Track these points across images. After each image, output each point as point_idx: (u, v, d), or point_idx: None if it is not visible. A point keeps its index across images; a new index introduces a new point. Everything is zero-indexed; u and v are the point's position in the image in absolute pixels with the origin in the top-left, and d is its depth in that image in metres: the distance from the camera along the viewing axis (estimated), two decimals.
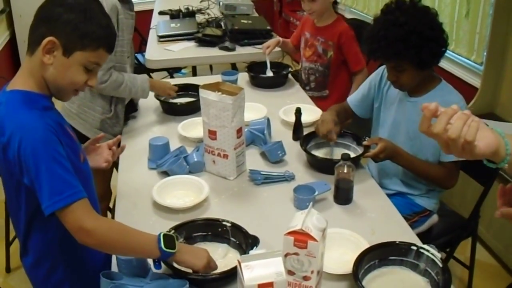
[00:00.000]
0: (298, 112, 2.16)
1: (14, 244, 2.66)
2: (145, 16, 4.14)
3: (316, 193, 1.73)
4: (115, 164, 2.03)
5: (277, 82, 2.80)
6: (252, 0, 4.13)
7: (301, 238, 1.23)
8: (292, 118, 2.21)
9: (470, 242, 2.27)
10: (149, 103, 2.51)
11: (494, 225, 2.66)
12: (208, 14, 3.95)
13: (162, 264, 1.38)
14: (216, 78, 2.67)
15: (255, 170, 1.91)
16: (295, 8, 5.33)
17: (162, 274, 1.39)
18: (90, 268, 1.48)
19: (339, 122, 2.05)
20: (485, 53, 2.82)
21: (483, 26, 2.87)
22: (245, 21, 3.53)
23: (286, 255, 1.26)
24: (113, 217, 1.89)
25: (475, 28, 2.93)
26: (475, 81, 2.96)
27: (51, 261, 1.44)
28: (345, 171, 1.74)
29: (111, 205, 2.63)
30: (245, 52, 3.26)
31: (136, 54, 4.16)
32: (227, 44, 3.24)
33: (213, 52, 3.23)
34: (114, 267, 1.42)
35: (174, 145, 2.06)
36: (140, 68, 3.54)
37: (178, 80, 3.02)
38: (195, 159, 1.95)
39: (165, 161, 1.95)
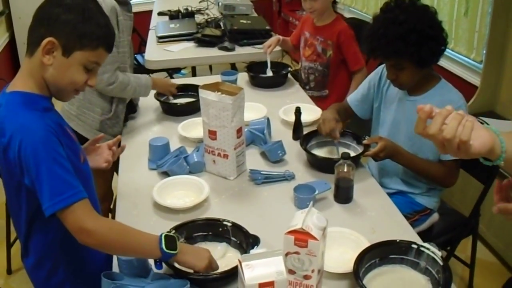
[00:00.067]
0: (298, 112, 2.16)
1: (15, 246, 2.67)
2: (144, 17, 4.14)
3: (316, 192, 1.73)
4: (116, 166, 2.03)
5: (277, 81, 2.80)
6: (251, 0, 4.13)
7: (301, 237, 1.23)
8: (292, 118, 2.21)
9: (471, 241, 2.27)
10: (149, 104, 2.52)
11: (494, 223, 2.66)
12: (207, 15, 3.95)
13: (163, 264, 1.38)
14: (216, 78, 2.67)
15: (255, 170, 1.91)
16: (294, 8, 5.33)
17: (163, 274, 1.39)
18: (91, 269, 1.48)
19: (341, 123, 2.06)
20: (484, 51, 2.82)
21: (482, 24, 2.87)
22: (244, 21, 3.53)
23: (286, 254, 1.26)
24: (113, 217, 1.89)
25: (474, 27, 2.93)
26: (475, 80, 2.96)
27: (52, 262, 1.44)
28: (345, 170, 1.74)
29: (112, 206, 2.63)
30: (245, 52, 3.26)
31: (135, 55, 4.16)
32: (226, 44, 3.24)
33: (213, 52, 3.23)
34: (115, 268, 1.42)
35: (174, 146, 2.06)
36: (140, 69, 3.54)
37: (178, 80, 3.01)
38: (195, 159, 1.95)
39: (165, 161, 1.95)
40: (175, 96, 2.54)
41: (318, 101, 2.72)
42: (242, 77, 2.82)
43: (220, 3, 4.01)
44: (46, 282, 1.46)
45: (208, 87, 1.84)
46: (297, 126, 2.18)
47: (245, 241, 1.49)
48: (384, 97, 2.09)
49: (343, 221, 1.66)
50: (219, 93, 1.80)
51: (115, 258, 1.44)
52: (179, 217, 1.67)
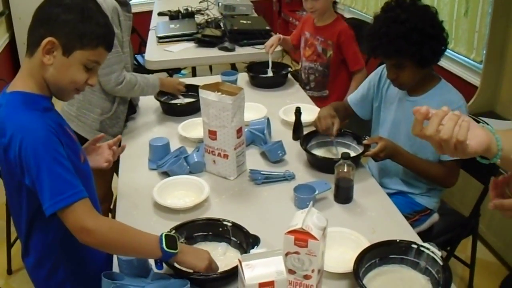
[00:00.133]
0: (298, 112, 2.16)
1: (15, 246, 2.67)
2: (144, 18, 4.15)
3: (317, 192, 1.73)
4: (116, 167, 2.03)
5: (277, 82, 2.80)
6: (251, 1, 4.14)
7: (301, 237, 1.23)
8: (292, 118, 2.21)
9: (471, 241, 2.27)
10: (149, 104, 2.52)
11: (494, 223, 2.66)
12: (207, 15, 3.96)
13: (164, 265, 1.38)
14: (216, 78, 2.67)
15: (256, 170, 1.91)
16: (294, 8, 5.34)
17: (163, 274, 1.39)
18: (91, 268, 1.48)
19: (340, 120, 2.05)
20: (484, 52, 2.82)
21: (482, 24, 2.87)
22: (244, 22, 3.54)
23: (286, 254, 1.26)
24: (113, 218, 1.89)
25: (474, 27, 2.93)
26: (475, 80, 2.96)
27: (53, 261, 1.44)
28: (345, 170, 1.74)
29: (111, 207, 2.63)
30: (245, 52, 3.27)
31: (135, 56, 4.17)
32: (226, 44, 3.24)
33: (213, 52, 3.24)
34: (116, 268, 1.42)
35: (174, 146, 2.06)
36: (140, 70, 3.54)
37: None
38: (196, 159, 1.95)
39: (166, 161, 1.95)
40: (184, 95, 2.54)
41: (318, 101, 2.72)
42: (242, 77, 2.82)
43: (220, 4, 4.01)
44: (46, 282, 1.46)
45: (208, 87, 1.84)
46: (297, 126, 2.18)
47: (245, 241, 1.49)
48: (384, 97, 2.09)
49: (343, 221, 1.66)
50: (219, 93, 1.80)
51: (115, 258, 1.44)
52: (179, 217, 1.67)
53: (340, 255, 1.49)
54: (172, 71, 4.30)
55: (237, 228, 1.54)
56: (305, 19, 3.00)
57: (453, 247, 2.14)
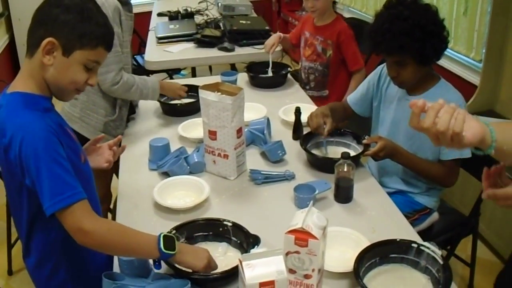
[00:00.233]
0: (297, 112, 2.16)
1: (16, 247, 2.67)
2: (144, 18, 4.15)
3: (317, 192, 1.73)
4: (115, 168, 2.03)
5: (277, 82, 2.81)
6: (251, 1, 4.14)
7: (301, 236, 1.23)
8: (291, 118, 2.21)
9: (471, 240, 2.27)
10: (149, 105, 2.52)
11: (494, 222, 2.66)
12: (207, 15, 3.96)
13: (164, 264, 1.38)
14: (216, 78, 2.67)
15: (256, 170, 1.91)
16: (294, 8, 5.34)
17: (164, 274, 1.39)
18: (92, 269, 1.48)
19: (337, 120, 2.06)
20: (484, 51, 2.82)
21: (481, 23, 2.87)
22: (244, 22, 3.54)
23: (287, 254, 1.27)
24: (114, 218, 1.89)
25: (474, 26, 2.93)
26: (474, 79, 2.96)
27: (54, 262, 1.45)
28: (345, 169, 1.74)
29: (111, 207, 2.64)
30: (244, 53, 3.27)
31: (135, 56, 4.17)
32: (226, 44, 3.24)
33: (212, 53, 3.24)
34: (116, 268, 1.43)
35: (174, 146, 2.06)
36: (140, 70, 3.54)
37: (178, 81, 3.02)
38: (196, 160, 1.95)
39: (166, 162, 1.95)
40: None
41: (318, 101, 2.72)
42: (242, 78, 2.82)
43: (219, 4, 4.02)
44: (47, 282, 1.47)
45: (208, 87, 1.84)
46: (297, 126, 2.18)
47: (246, 240, 1.49)
48: (383, 96, 2.10)
49: (343, 220, 1.66)
50: (219, 93, 1.81)
51: (116, 258, 1.45)
52: (179, 217, 1.67)
53: (340, 254, 1.49)
54: (172, 72, 4.30)
55: (238, 228, 1.54)
56: (305, 19, 3.00)
57: (453, 246, 2.14)
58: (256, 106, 2.42)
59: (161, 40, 3.43)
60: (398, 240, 1.46)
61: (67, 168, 1.28)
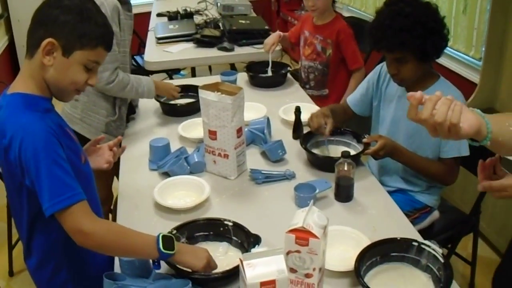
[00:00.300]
0: (297, 111, 2.16)
1: (17, 248, 2.67)
2: (143, 18, 4.15)
3: (317, 191, 1.73)
4: (116, 169, 2.03)
5: (276, 81, 2.81)
6: (250, 0, 4.14)
7: (302, 235, 1.23)
8: (291, 117, 2.21)
9: (472, 238, 2.27)
10: (149, 105, 2.52)
11: (495, 220, 2.66)
12: (206, 15, 3.96)
13: (165, 265, 1.38)
14: (215, 78, 2.67)
15: (256, 170, 1.91)
16: (293, 7, 5.34)
17: (165, 274, 1.40)
18: (93, 269, 1.49)
19: (337, 122, 2.06)
20: (483, 49, 2.82)
21: (481, 21, 2.87)
22: (243, 21, 3.54)
23: (288, 253, 1.27)
24: (114, 218, 1.90)
25: (473, 24, 2.93)
26: (474, 77, 2.96)
27: (55, 262, 1.45)
28: (345, 168, 1.74)
29: (112, 207, 2.64)
30: (244, 52, 3.27)
31: (135, 56, 4.17)
32: (225, 44, 3.24)
33: (212, 52, 3.24)
34: (117, 268, 1.43)
35: (174, 146, 2.06)
36: (139, 70, 3.54)
37: (178, 81, 3.02)
38: (196, 160, 1.95)
39: (166, 162, 1.95)
40: (181, 96, 2.54)
41: (318, 100, 2.72)
42: (242, 77, 2.82)
43: (218, 4, 4.01)
44: (49, 283, 1.47)
45: (208, 87, 1.84)
46: (297, 125, 2.18)
47: (246, 240, 1.50)
48: (383, 95, 2.10)
49: (343, 219, 1.66)
50: (219, 93, 1.81)
51: (117, 258, 1.45)
52: (180, 217, 1.67)
53: (341, 253, 1.49)
54: (172, 72, 4.30)
55: (238, 228, 1.54)
56: (304, 18, 3.00)
57: (454, 244, 2.14)
58: (256, 106, 2.42)
59: (161, 40, 3.43)
60: (398, 238, 1.46)
61: (66, 169, 1.28)
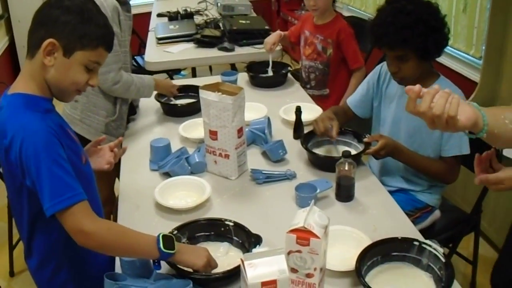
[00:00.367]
0: (298, 111, 2.16)
1: (17, 248, 2.67)
2: (143, 19, 4.15)
3: (318, 191, 1.73)
4: (118, 170, 2.03)
5: (277, 81, 2.81)
6: (250, 0, 4.14)
7: (303, 235, 1.23)
8: (292, 117, 2.21)
9: (473, 237, 2.27)
10: (149, 105, 2.52)
11: (496, 219, 2.66)
12: (206, 15, 3.96)
13: (166, 265, 1.38)
14: (216, 78, 2.67)
15: (257, 170, 1.91)
16: (293, 7, 5.34)
17: (166, 275, 1.40)
18: (94, 269, 1.49)
19: (339, 123, 2.05)
20: (483, 47, 2.82)
21: (481, 20, 2.87)
22: (244, 22, 3.54)
23: (289, 253, 1.27)
24: (115, 219, 1.90)
25: (473, 23, 2.93)
26: (475, 76, 2.96)
27: (56, 262, 1.45)
28: (346, 168, 1.74)
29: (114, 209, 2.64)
30: (244, 52, 3.27)
31: (135, 57, 4.17)
32: (226, 44, 3.24)
33: (212, 53, 3.24)
34: (118, 268, 1.43)
35: (175, 146, 2.06)
36: (140, 71, 3.54)
37: (178, 81, 3.02)
38: (197, 160, 1.95)
39: (167, 162, 1.95)
40: (176, 97, 2.55)
41: (318, 100, 2.72)
42: (242, 77, 2.82)
43: (218, 4, 4.01)
44: (49, 282, 1.47)
45: (208, 87, 1.84)
46: (298, 125, 2.18)
47: (247, 240, 1.50)
48: (383, 95, 2.10)
49: (344, 219, 1.66)
50: (220, 93, 1.81)
51: (117, 258, 1.45)
52: (181, 218, 1.67)
53: (342, 253, 1.49)
54: (172, 72, 4.30)
55: (239, 228, 1.54)
56: (305, 18, 3.00)
57: (455, 244, 2.14)
58: (257, 106, 2.42)
59: (161, 40, 3.43)
60: (399, 238, 1.46)
61: (67, 169, 1.28)
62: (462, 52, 3.08)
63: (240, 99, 1.81)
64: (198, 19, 3.82)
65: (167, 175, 1.93)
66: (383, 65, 2.06)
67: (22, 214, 1.40)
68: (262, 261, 1.17)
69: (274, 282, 1.14)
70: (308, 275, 1.28)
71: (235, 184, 1.90)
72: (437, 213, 2.09)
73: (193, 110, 2.39)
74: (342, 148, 1.97)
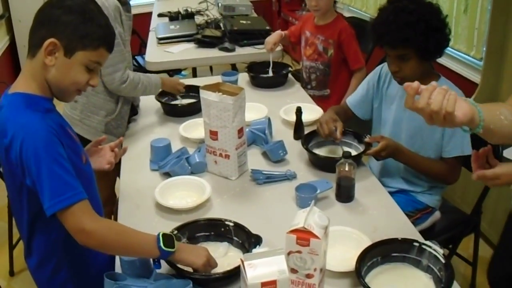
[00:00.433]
0: (298, 111, 2.16)
1: (18, 248, 2.67)
2: (144, 19, 4.15)
3: (318, 191, 1.73)
4: (119, 170, 2.03)
5: (277, 81, 2.81)
6: (251, 1, 4.14)
7: (303, 236, 1.23)
8: (292, 117, 2.21)
9: (473, 238, 2.26)
10: (150, 105, 2.52)
11: (496, 220, 2.66)
12: (207, 16, 3.96)
13: (166, 265, 1.38)
14: (216, 79, 2.67)
15: (257, 170, 1.91)
16: (294, 7, 5.34)
17: (166, 275, 1.40)
18: (94, 269, 1.49)
19: (340, 122, 2.05)
20: (484, 49, 2.82)
21: (482, 21, 2.87)
22: (244, 22, 3.54)
23: (289, 253, 1.27)
24: (115, 218, 1.90)
25: (474, 24, 2.93)
26: (475, 77, 2.96)
27: (55, 262, 1.45)
28: (347, 169, 1.74)
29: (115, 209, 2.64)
30: (245, 53, 3.27)
31: (136, 57, 4.18)
32: (226, 45, 3.25)
33: (213, 53, 3.24)
34: (118, 268, 1.43)
35: (175, 146, 2.07)
36: (140, 71, 3.54)
37: None
38: (197, 160, 1.95)
39: (167, 162, 1.95)
40: (183, 95, 2.54)
41: (319, 100, 2.72)
42: (243, 78, 2.82)
43: (219, 4, 4.02)
44: (49, 282, 1.47)
45: (209, 87, 1.84)
46: (298, 125, 2.18)
47: (247, 240, 1.50)
48: (384, 96, 2.09)
49: (344, 220, 1.66)
50: (220, 93, 1.81)
51: (117, 258, 1.45)
52: (181, 218, 1.67)
53: (342, 254, 1.49)
54: (173, 72, 4.30)
55: (239, 228, 1.54)
56: (306, 18, 3.00)
57: (455, 245, 2.14)
58: (257, 106, 2.42)
59: (162, 40, 3.43)
60: (399, 239, 1.46)
61: (67, 169, 1.28)
62: (462, 53, 3.08)
63: (241, 100, 1.81)
64: (198, 19, 3.83)
65: (168, 175, 1.93)
66: (384, 66, 2.06)
67: (22, 213, 1.40)
68: (262, 261, 1.17)
69: (274, 282, 1.14)
70: (308, 276, 1.28)
71: (235, 184, 1.90)
72: (437, 214, 2.09)
73: (193, 110, 2.40)
74: (344, 149, 1.97)
